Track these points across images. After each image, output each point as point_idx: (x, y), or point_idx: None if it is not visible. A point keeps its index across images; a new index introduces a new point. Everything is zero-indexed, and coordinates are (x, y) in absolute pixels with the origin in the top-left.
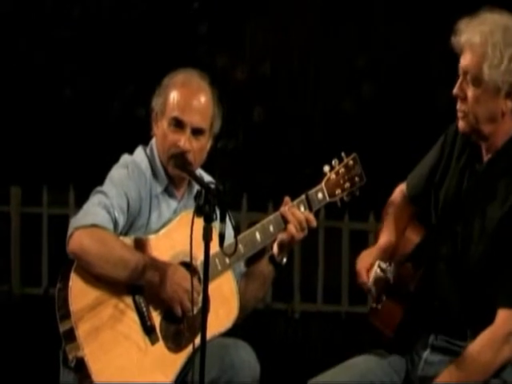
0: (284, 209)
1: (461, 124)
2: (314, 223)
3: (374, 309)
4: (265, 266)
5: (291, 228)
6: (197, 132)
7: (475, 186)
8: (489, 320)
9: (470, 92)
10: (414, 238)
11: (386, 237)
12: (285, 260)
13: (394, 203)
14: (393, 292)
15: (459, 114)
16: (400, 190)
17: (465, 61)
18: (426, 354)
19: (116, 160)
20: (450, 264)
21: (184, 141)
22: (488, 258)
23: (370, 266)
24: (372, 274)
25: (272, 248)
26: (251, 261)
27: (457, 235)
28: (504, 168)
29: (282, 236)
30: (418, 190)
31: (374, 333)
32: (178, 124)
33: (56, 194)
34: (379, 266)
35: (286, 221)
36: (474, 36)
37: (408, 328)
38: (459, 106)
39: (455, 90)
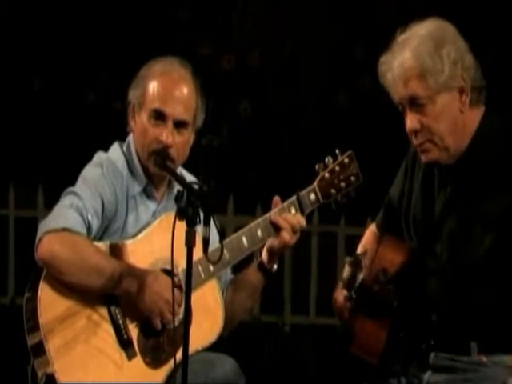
0: (274, 214)
1: (425, 156)
2: (304, 223)
3: (352, 337)
4: (253, 274)
5: (284, 234)
6: (180, 125)
7: (456, 190)
8: (495, 328)
9: (425, 117)
10: (390, 254)
11: None
12: (275, 267)
13: (368, 233)
14: (372, 313)
15: (420, 149)
16: (370, 231)
17: (407, 91)
18: (427, 376)
19: (89, 158)
20: (443, 275)
21: (166, 135)
22: (501, 245)
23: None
24: (344, 274)
25: (261, 254)
26: (238, 268)
27: (450, 244)
28: (478, 160)
29: (271, 241)
30: (382, 218)
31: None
32: (159, 116)
33: (23, 194)
34: (348, 261)
35: (277, 227)
36: (405, 59)
37: (397, 350)
38: (416, 141)
39: (410, 126)
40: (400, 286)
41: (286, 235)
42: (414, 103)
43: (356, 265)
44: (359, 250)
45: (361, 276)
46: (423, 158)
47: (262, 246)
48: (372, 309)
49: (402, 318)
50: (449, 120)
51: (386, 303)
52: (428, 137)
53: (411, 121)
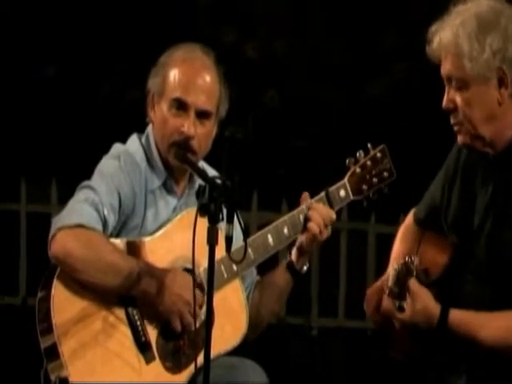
0: (303, 206)
1: (460, 138)
2: (334, 217)
3: (393, 341)
4: (282, 275)
5: (313, 226)
6: (202, 115)
7: (496, 189)
8: None
9: (459, 98)
10: (431, 253)
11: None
12: (305, 268)
13: (405, 229)
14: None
15: (455, 129)
16: (406, 227)
17: (444, 68)
18: (462, 382)
19: (106, 150)
20: (482, 277)
21: (188, 125)
22: None
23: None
24: (391, 277)
25: (290, 254)
26: (265, 268)
27: (489, 245)
28: None
29: (301, 239)
30: (424, 214)
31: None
32: (181, 106)
33: (36, 188)
34: (396, 269)
35: (306, 218)
36: (444, 35)
37: (434, 355)
38: (452, 120)
39: (444, 104)
40: (442, 288)
41: (315, 226)
42: (450, 81)
43: (406, 273)
44: (407, 257)
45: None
46: (458, 139)
47: (291, 246)
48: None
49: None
50: (483, 109)
51: None
52: (461, 120)
53: (446, 99)
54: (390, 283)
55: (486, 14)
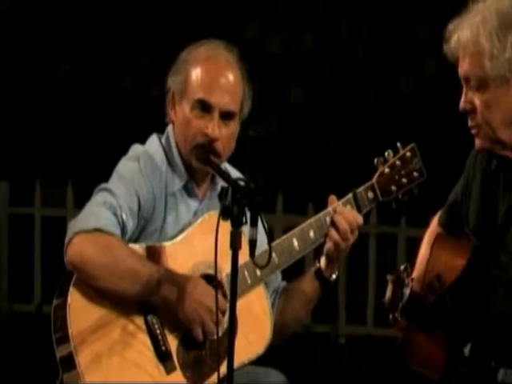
0: (330, 208)
1: (477, 142)
2: (361, 221)
3: (410, 352)
4: (309, 283)
5: (334, 234)
6: (226, 116)
7: None
8: None
9: (478, 100)
10: (445, 256)
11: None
12: (334, 276)
13: (430, 233)
14: (428, 327)
15: (473, 131)
16: (432, 232)
17: (462, 67)
18: None
19: (125, 151)
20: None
21: (212, 127)
22: None
23: None
24: (386, 294)
25: (319, 261)
26: (291, 275)
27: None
28: None
29: (327, 246)
30: (447, 217)
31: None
32: (204, 107)
33: (51, 190)
34: (390, 279)
35: (331, 223)
36: (463, 34)
37: (461, 366)
38: (470, 122)
39: (461, 105)
40: (458, 295)
41: (337, 236)
42: (468, 82)
43: (397, 282)
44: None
45: (407, 291)
46: (476, 144)
47: (319, 252)
48: (428, 322)
49: (462, 331)
50: (503, 111)
51: (443, 316)
52: (479, 122)
53: (463, 100)
54: (386, 295)
55: (507, 11)
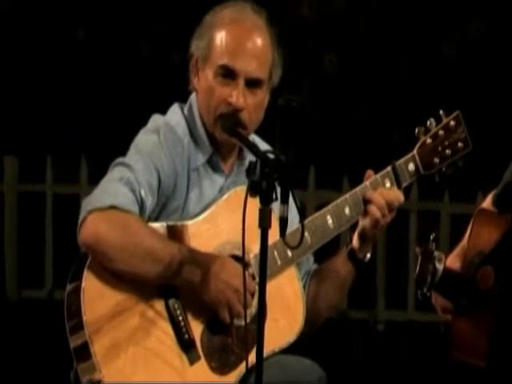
0: (366, 188)
1: None
2: (402, 199)
3: (450, 339)
4: (342, 264)
5: (374, 210)
6: (252, 84)
7: None
8: None
9: None
10: (486, 233)
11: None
12: (368, 256)
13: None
14: (467, 307)
15: None
16: (489, 197)
17: None
18: None
19: (143, 122)
20: None
21: (237, 95)
22: None
23: None
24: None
25: (351, 240)
26: (323, 256)
27: None
28: None
29: (363, 223)
30: (500, 195)
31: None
32: (229, 74)
33: (63, 166)
34: (418, 252)
35: (366, 200)
36: None
37: (507, 348)
38: None
39: None
40: (501, 266)
41: (378, 211)
42: None
43: (425, 254)
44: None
45: (440, 267)
46: None
47: (352, 231)
48: (467, 302)
49: (507, 307)
50: None
51: (485, 291)
52: None
53: None
54: (417, 271)
55: None
